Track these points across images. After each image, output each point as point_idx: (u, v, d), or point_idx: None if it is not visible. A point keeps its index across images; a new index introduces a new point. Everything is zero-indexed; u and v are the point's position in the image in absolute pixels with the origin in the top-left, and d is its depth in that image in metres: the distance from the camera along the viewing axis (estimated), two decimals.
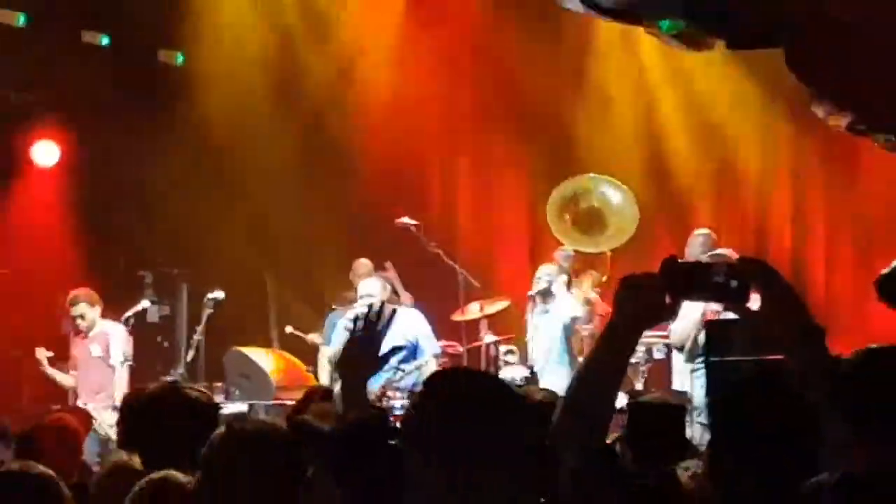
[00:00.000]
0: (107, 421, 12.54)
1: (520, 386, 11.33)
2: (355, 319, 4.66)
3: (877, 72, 9.11)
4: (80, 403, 13.15)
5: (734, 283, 3.91)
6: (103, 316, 14.49)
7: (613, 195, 15.48)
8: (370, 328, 4.62)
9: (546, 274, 14.46)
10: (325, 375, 14.32)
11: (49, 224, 17.07)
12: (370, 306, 4.76)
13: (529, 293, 14.55)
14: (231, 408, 13.90)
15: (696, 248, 14.20)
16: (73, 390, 13.99)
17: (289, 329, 16.68)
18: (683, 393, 12.80)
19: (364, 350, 4.65)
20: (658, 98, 17.56)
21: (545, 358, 13.20)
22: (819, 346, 4.07)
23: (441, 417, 3.85)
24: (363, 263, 15.21)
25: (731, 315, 11.11)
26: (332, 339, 14.13)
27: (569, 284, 14.49)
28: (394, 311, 4.97)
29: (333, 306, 14.96)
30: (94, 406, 12.28)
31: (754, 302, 3.85)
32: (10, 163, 16.98)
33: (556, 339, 13.90)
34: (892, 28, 8.62)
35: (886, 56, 8.89)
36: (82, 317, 14.01)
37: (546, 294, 14.32)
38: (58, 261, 16.54)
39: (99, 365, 13.89)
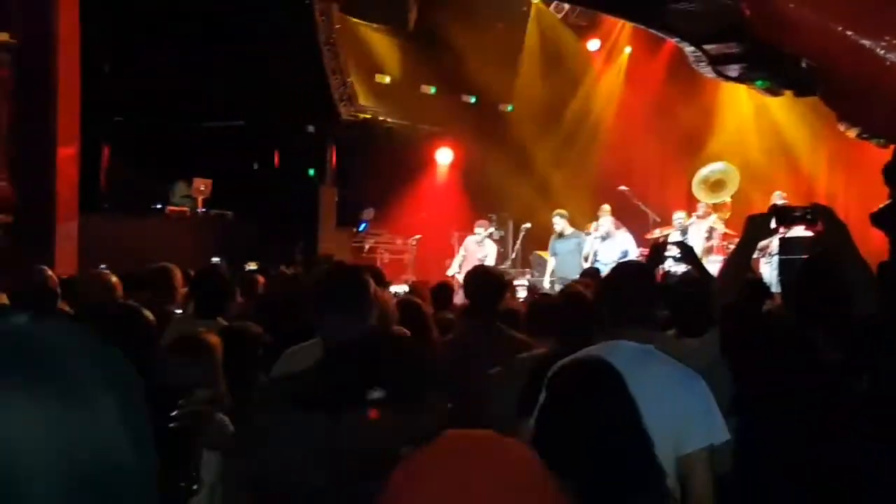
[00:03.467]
0: None
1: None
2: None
3: (870, 108, 9.09)
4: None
5: (810, 217, 4.17)
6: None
7: (728, 170, 14.92)
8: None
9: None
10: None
11: (444, 193, 17.11)
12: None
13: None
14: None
15: (778, 201, 13.05)
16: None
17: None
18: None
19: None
20: (751, 119, 16.83)
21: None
22: (852, 246, 4.16)
23: None
24: (605, 207, 14.31)
25: (794, 235, 10.85)
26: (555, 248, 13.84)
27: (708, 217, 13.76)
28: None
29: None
30: None
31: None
32: (425, 162, 17.02)
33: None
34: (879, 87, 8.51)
35: (873, 101, 8.88)
36: (476, 233, 13.99)
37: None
38: (447, 211, 16.54)
39: (479, 262, 13.29)
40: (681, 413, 3.14)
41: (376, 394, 2.58)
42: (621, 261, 9.53)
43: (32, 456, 0.80)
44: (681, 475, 3.10)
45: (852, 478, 3.14)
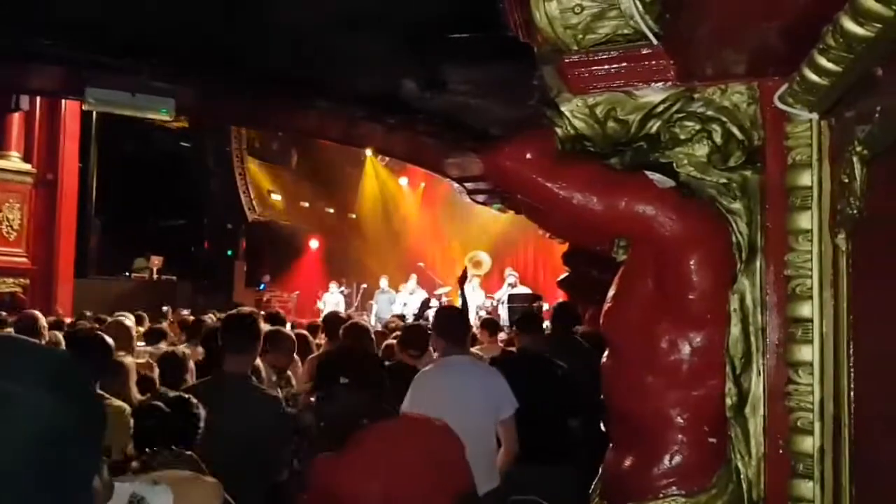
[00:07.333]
0: None
1: None
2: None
3: (549, 222, 8.84)
4: None
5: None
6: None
7: (484, 255, 14.56)
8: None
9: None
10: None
11: (313, 266, 15.82)
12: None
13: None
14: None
15: (508, 273, 13.03)
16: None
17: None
18: None
19: None
20: (493, 224, 14.90)
21: None
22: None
23: None
24: (413, 275, 13.31)
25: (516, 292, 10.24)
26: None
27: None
28: None
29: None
30: None
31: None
32: (302, 247, 15.58)
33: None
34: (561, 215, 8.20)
35: (550, 218, 8.56)
36: (331, 290, 13.40)
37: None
38: (314, 278, 15.16)
39: (334, 307, 11.70)
40: (500, 393, 3.16)
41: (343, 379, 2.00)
42: (444, 307, 8.21)
43: None
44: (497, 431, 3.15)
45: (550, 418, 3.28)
